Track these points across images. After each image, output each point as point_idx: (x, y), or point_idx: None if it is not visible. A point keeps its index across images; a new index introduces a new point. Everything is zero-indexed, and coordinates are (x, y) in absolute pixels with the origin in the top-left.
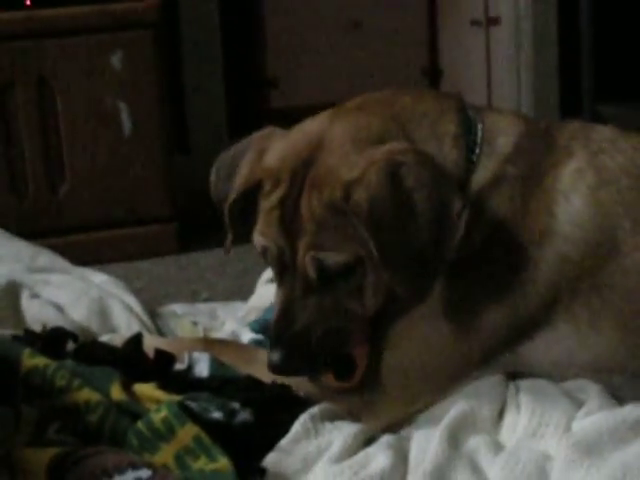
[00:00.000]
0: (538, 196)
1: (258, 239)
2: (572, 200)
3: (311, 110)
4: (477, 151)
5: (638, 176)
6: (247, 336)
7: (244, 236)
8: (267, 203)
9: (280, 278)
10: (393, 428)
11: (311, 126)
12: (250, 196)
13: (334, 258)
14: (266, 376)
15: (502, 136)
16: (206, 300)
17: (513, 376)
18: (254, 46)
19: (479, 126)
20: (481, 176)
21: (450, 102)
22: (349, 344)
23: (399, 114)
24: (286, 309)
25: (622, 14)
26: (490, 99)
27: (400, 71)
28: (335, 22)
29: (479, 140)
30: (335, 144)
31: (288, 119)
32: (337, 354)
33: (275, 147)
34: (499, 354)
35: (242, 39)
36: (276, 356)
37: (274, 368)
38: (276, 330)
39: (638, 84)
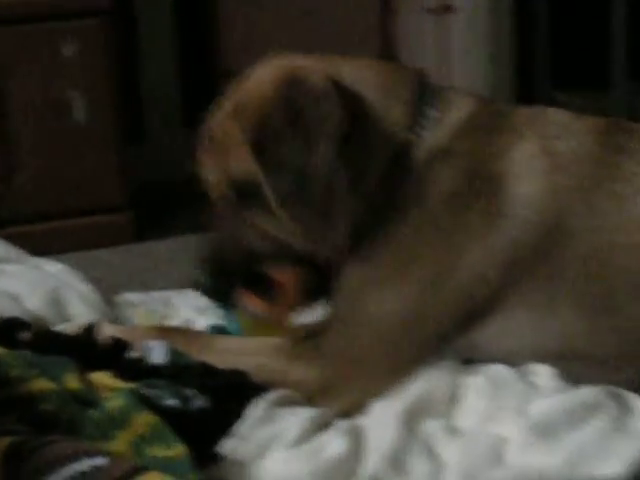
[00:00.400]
0: (489, 177)
1: (201, 170)
2: (525, 184)
3: None
4: (426, 124)
5: (590, 160)
6: (202, 323)
7: (200, 225)
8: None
9: (214, 207)
10: (348, 413)
11: (257, 65)
12: None
13: (241, 175)
14: (221, 363)
15: (454, 112)
16: (161, 289)
17: (467, 363)
18: (208, 36)
19: (435, 102)
20: (424, 148)
21: (411, 72)
22: (263, 265)
23: (344, 61)
24: (214, 236)
25: (578, 2)
26: None
27: None
28: (288, 10)
29: (431, 115)
30: (261, 72)
31: None
32: (254, 275)
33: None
34: (453, 340)
35: (197, 29)
36: (206, 281)
37: (204, 291)
38: (207, 256)
39: (593, 72)
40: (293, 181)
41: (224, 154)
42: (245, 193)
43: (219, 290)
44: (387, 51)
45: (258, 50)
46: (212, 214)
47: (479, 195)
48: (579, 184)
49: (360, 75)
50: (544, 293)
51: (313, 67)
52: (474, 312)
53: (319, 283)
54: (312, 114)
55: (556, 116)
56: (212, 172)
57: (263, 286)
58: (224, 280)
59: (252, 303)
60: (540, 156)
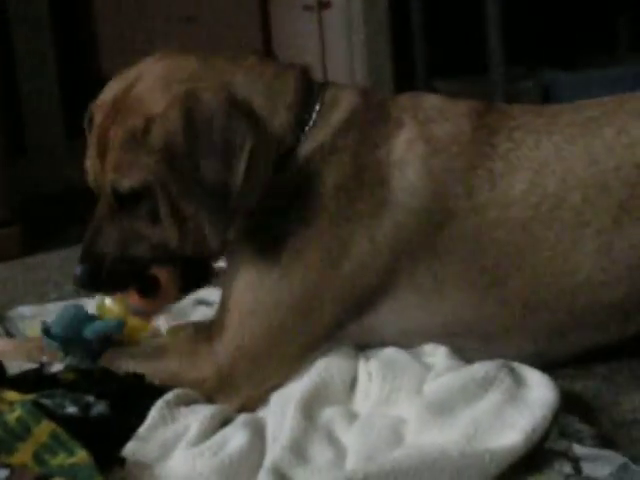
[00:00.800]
0: (372, 168)
1: (85, 163)
2: (405, 170)
3: None
4: (310, 123)
5: (466, 142)
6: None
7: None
8: (94, 129)
9: (98, 199)
10: (248, 407)
11: (142, 63)
12: None
13: (125, 183)
14: (120, 369)
15: (335, 109)
16: (55, 300)
17: (362, 347)
18: (87, 44)
19: (319, 99)
20: (309, 146)
21: (294, 71)
22: (146, 270)
23: (233, 66)
24: (94, 228)
25: None
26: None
27: None
28: (168, 17)
29: (315, 113)
30: (149, 77)
31: None
32: (134, 273)
33: (109, 85)
34: (344, 326)
35: (74, 37)
36: (79, 270)
37: (76, 281)
38: (83, 246)
39: (470, 58)
40: (199, 193)
41: (107, 161)
42: (126, 200)
43: (92, 281)
44: (267, 49)
45: (139, 56)
46: (94, 208)
47: (362, 186)
48: (456, 166)
49: (245, 80)
50: (430, 274)
51: (202, 78)
52: (364, 298)
53: (197, 275)
54: (218, 132)
55: (432, 101)
56: (93, 172)
57: (142, 283)
58: (97, 271)
59: (132, 300)
60: (417, 142)
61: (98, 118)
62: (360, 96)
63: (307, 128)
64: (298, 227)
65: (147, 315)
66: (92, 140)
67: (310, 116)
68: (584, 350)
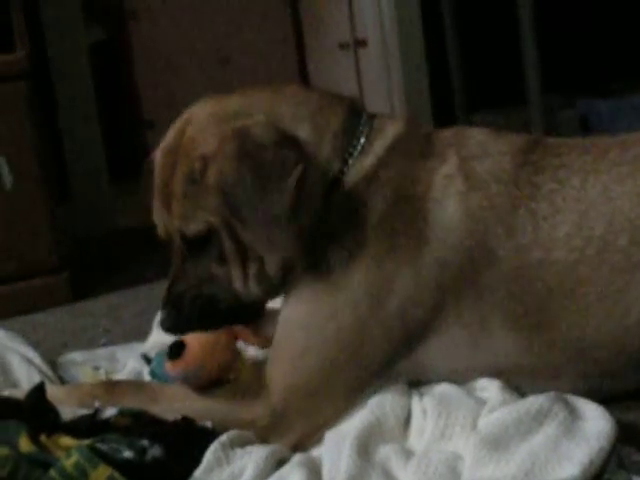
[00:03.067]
0: (412, 202)
1: (153, 217)
2: (444, 206)
3: None
4: (356, 153)
5: (507, 181)
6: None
7: (136, 279)
8: (156, 181)
9: (171, 250)
10: (302, 445)
11: (189, 110)
12: None
13: (191, 228)
14: (170, 414)
15: (381, 138)
16: (104, 345)
17: (415, 383)
18: (127, 90)
19: (365, 129)
20: (354, 176)
21: (342, 101)
22: (219, 311)
23: (277, 97)
24: (172, 274)
25: (485, 25)
26: None
27: None
28: (205, 60)
29: (361, 142)
30: (198, 121)
31: None
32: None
33: (167, 134)
34: (395, 362)
35: (114, 84)
36: (162, 315)
37: (160, 324)
38: (165, 296)
39: (506, 90)
40: (255, 225)
41: (172, 209)
42: (195, 244)
43: (175, 324)
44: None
45: (179, 100)
46: (171, 256)
47: (404, 219)
48: (495, 204)
49: (290, 110)
50: (476, 312)
51: (248, 113)
52: (413, 333)
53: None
54: (269, 163)
55: (477, 136)
56: (162, 222)
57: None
58: (178, 314)
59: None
60: (457, 178)
61: (157, 169)
62: (405, 127)
63: (353, 157)
64: (343, 262)
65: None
66: (156, 191)
67: (356, 145)
68: (638, 388)
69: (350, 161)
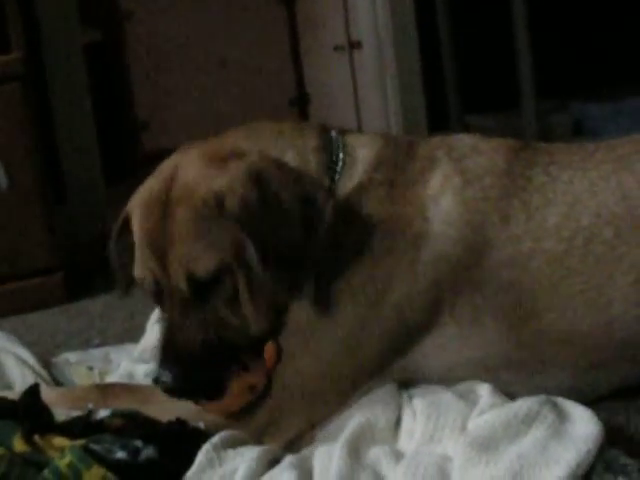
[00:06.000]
0: (409, 201)
1: (136, 271)
2: (441, 202)
3: None
4: (339, 163)
5: (500, 174)
6: (141, 373)
7: (130, 280)
8: (138, 234)
9: (162, 304)
10: (294, 446)
11: (170, 159)
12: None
13: (201, 268)
14: (163, 415)
15: (363, 148)
16: (98, 346)
17: (405, 385)
18: (122, 91)
19: (340, 142)
20: (346, 184)
21: (310, 124)
22: (237, 357)
23: (253, 134)
24: (170, 331)
25: (479, 28)
26: (359, 121)
27: (268, 104)
28: (201, 61)
29: (340, 153)
30: (189, 164)
31: (161, 161)
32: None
33: (139, 190)
34: (391, 361)
35: (109, 85)
36: (166, 377)
37: (166, 390)
38: (163, 352)
39: (500, 94)
40: (275, 258)
41: (172, 256)
42: (203, 287)
43: (182, 389)
44: (300, 91)
45: (174, 102)
46: (161, 306)
47: (402, 220)
48: (491, 195)
49: (274, 145)
50: (470, 306)
51: (243, 151)
52: (410, 332)
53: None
54: (294, 197)
55: (463, 139)
56: (152, 274)
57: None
58: (187, 374)
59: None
60: (452, 175)
61: (141, 221)
62: (382, 137)
63: (338, 171)
64: (343, 265)
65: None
66: (141, 244)
67: (337, 158)
68: (624, 383)
69: (336, 175)
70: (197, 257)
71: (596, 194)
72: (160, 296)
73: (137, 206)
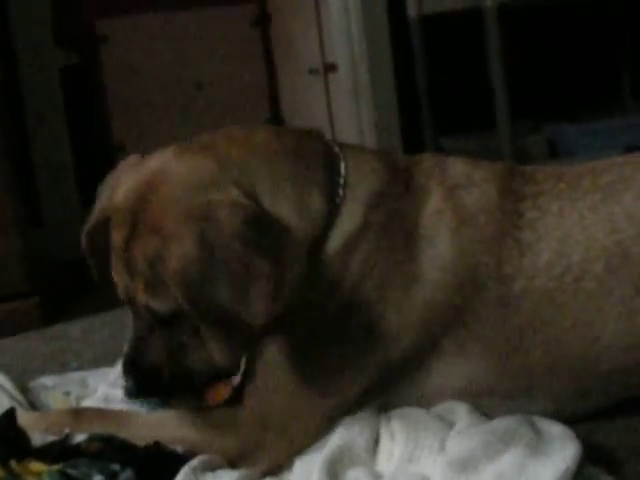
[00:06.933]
0: (402, 243)
1: (112, 273)
2: (435, 244)
3: None
4: (340, 196)
5: (494, 210)
6: (118, 398)
7: (108, 303)
8: (114, 241)
9: (132, 311)
10: (272, 473)
11: (156, 162)
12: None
13: (159, 304)
14: (139, 439)
15: (365, 182)
16: (76, 369)
17: (384, 408)
18: (98, 113)
19: (342, 167)
20: (347, 224)
21: (313, 144)
22: (198, 383)
23: (249, 160)
24: (136, 342)
25: (454, 52)
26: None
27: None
28: (176, 83)
29: (341, 188)
30: (169, 187)
31: None
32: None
33: (123, 182)
34: (368, 395)
35: (85, 108)
36: (129, 383)
37: (127, 394)
38: (127, 360)
39: (474, 116)
40: (212, 320)
41: (136, 281)
42: (164, 318)
43: (143, 393)
44: (275, 114)
45: (150, 124)
46: (132, 314)
47: (394, 264)
48: (485, 236)
49: (267, 172)
50: (456, 343)
51: (221, 184)
52: (390, 371)
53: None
54: (235, 256)
55: (457, 166)
56: (123, 284)
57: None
58: (147, 383)
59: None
60: (447, 212)
61: (116, 229)
62: (384, 166)
63: (337, 200)
64: (331, 311)
65: None
66: (114, 253)
67: (337, 192)
68: (607, 406)
69: (335, 210)
70: (154, 295)
71: (585, 228)
72: (130, 304)
73: (118, 206)
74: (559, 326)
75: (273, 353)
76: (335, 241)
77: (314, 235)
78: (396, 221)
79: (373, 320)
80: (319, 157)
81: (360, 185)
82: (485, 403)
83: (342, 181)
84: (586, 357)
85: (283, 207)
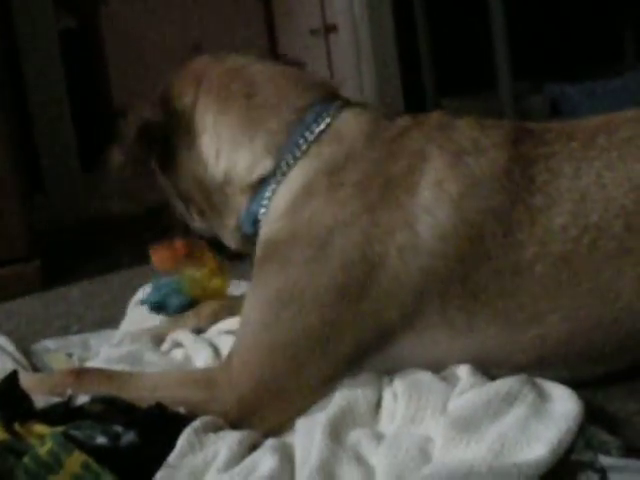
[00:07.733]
0: (392, 210)
1: None
2: (435, 214)
3: None
4: (303, 150)
5: (503, 177)
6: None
7: (109, 266)
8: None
9: None
10: (274, 433)
11: (196, 63)
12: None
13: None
14: (141, 400)
15: (335, 143)
16: (78, 332)
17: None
18: (97, 77)
19: (323, 124)
20: (294, 181)
21: (300, 96)
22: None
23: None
24: None
25: (455, 12)
26: None
27: None
28: (176, 45)
29: (310, 140)
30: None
31: None
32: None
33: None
34: (367, 355)
35: (85, 72)
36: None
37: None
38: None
39: (475, 76)
40: None
41: None
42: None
43: None
44: None
45: (150, 87)
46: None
47: (380, 226)
48: (493, 205)
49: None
50: (464, 311)
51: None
52: (386, 331)
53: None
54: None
55: (464, 131)
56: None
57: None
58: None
59: (159, 259)
60: (449, 181)
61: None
62: (369, 124)
63: (294, 160)
64: (316, 263)
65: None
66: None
67: (300, 146)
68: (619, 370)
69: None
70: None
71: (603, 187)
72: None
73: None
74: (575, 290)
75: (262, 314)
76: (281, 195)
77: (249, 182)
78: (373, 185)
79: (361, 280)
80: (290, 109)
81: (328, 146)
82: (494, 373)
83: (311, 137)
84: (602, 321)
85: (222, 143)
